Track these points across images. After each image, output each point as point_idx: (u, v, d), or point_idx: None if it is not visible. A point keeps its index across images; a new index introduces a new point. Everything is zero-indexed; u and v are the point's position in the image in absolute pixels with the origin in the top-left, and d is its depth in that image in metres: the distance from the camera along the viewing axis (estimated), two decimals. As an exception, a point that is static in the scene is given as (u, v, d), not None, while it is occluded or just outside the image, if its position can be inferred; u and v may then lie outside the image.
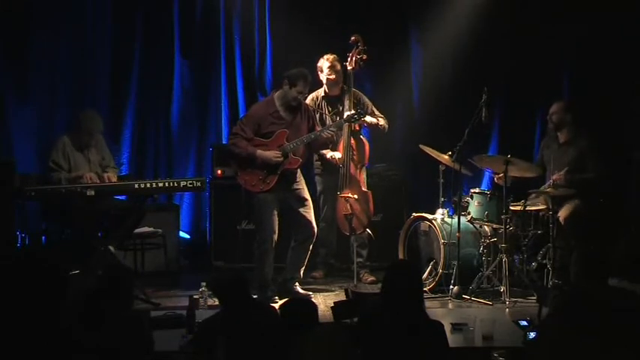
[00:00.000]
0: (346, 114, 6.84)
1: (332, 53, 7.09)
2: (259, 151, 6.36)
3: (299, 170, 6.56)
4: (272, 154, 6.35)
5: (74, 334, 3.21)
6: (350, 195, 6.90)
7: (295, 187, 6.51)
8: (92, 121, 6.76)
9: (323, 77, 7.08)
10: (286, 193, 6.47)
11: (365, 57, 7.02)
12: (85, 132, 6.69)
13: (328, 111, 7.13)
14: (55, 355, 3.03)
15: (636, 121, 7.63)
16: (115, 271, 4.55)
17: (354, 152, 7.00)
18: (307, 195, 6.59)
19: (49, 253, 6.03)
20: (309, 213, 6.55)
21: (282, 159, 6.35)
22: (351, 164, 6.97)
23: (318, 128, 6.57)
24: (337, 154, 6.95)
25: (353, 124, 6.87)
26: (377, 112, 7.15)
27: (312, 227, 6.53)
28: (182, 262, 7.69)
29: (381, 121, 7.10)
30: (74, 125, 6.81)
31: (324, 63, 7.07)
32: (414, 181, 8.04)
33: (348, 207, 6.89)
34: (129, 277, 4.53)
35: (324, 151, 6.97)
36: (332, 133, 6.60)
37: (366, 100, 7.18)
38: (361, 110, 6.80)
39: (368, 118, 6.97)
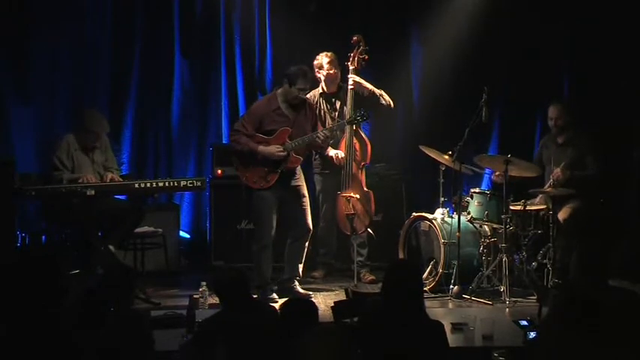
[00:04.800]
0: (349, 115, 6.84)
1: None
2: (261, 147, 6.36)
3: (299, 166, 6.56)
4: (274, 150, 6.34)
5: (74, 334, 3.21)
6: (352, 195, 6.90)
7: (294, 183, 6.51)
8: (99, 123, 6.68)
9: (322, 74, 7.06)
10: (285, 189, 6.47)
11: (367, 57, 7.06)
12: (91, 133, 6.63)
13: (327, 109, 7.13)
14: (55, 356, 3.03)
15: (636, 119, 7.63)
16: (115, 271, 4.56)
17: (357, 152, 7.00)
18: (305, 192, 6.59)
19: (48, 253, 6.02)
20: (306, 209, 6.54)
21: (284, 154, 6.35)
22: (353, 164, 6.96)
23: (321, 128, 6.58)
24: (341, 153, 6.92)
25: (355, 125, 6.88)
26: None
27: (308, 224, 6.52)
28: (182, 262, 7.68)
29: (384, 94, 7.07)
30: (79, 124, 6.75)
31: (324, 59, 7.06)
32: (414, 181, 8.02)
33: (350, 207, 6.89)
34: (129, 277, 4.53)
35: (327, 148, 6.93)
36: (326, 135, 6.59)
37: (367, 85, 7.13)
38: (364, 112, 6.79)
39: (368, 85, 7.01)
